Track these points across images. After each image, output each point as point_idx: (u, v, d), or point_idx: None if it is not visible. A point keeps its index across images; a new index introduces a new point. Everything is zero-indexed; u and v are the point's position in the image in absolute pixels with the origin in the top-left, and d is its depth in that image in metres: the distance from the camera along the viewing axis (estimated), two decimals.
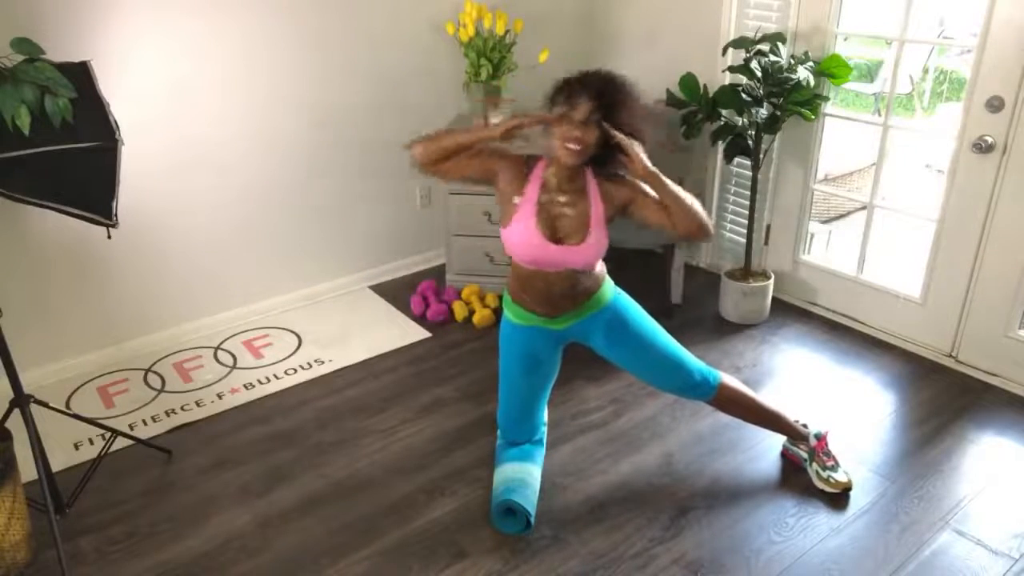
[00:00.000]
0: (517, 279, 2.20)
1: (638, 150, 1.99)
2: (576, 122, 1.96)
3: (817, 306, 3.47)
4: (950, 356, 3.05)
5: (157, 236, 3.11)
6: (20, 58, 2.19)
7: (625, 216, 2.11)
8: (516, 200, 2.08)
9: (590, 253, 2.08)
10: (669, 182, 2.00)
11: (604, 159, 2.05)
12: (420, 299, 3.51)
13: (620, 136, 1.97)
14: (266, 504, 2.39)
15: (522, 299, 2.23)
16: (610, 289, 2.28)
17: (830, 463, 2.39)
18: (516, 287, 2.23)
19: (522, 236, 2.07)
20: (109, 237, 2.46)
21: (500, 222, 2.14)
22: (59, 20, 2.66)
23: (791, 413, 2.51)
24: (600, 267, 2.24)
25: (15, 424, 2.14)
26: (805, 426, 2.48)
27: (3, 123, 2.13)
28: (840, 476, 2.37)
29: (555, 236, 2.07)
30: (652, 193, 2.05)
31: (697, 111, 3.21)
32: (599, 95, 1.96)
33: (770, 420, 2.46)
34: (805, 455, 2.44)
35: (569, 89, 1.99)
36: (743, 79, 3.04)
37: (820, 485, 2.38)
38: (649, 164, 1.99)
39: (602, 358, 2.35)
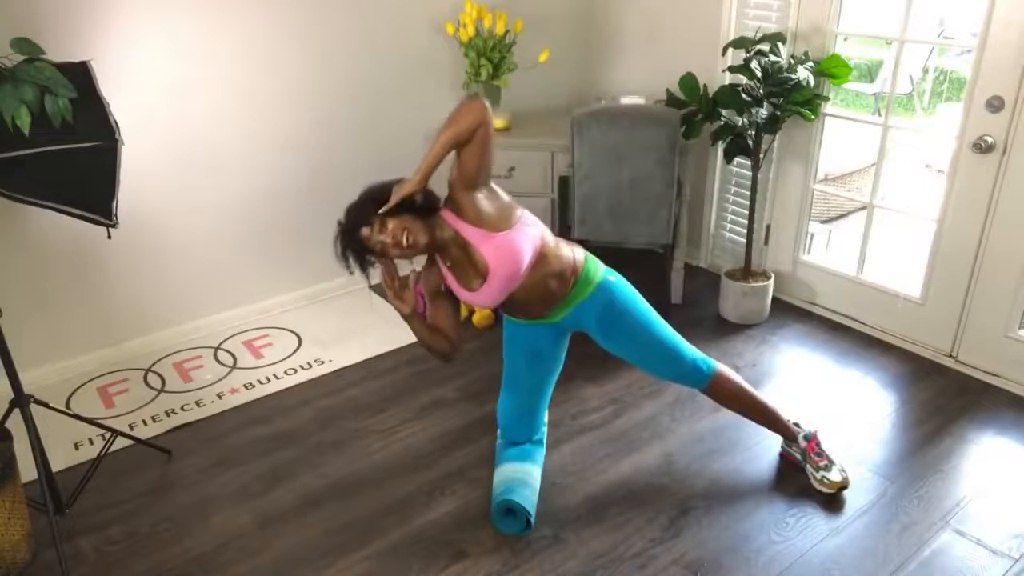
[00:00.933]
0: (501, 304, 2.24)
1: (399, 190, 2.00)
2: (387, 239, 2.00)
3: (817, 306, 3.47)
4: (950, 356, 3.05)
5: (157, 236, 3.11)
6: (20, 58, 2.19)
7: (474, 176, 2.02)
8: (444, 287, 2.19)
9: (501, 276, 2.07)
10: (431, 152, 1.98)
11: (422, 208, 2.05)
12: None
13: (389, 204, 1.99)
14: (266, 504, 2.39)
15: (509, 314, 2.31)
16: (596, 272, 2.25)
17: (823, 463, 2.39)
18: (500, 308, 2.28)
19: (463, 298, 2.16)
20: (109, 237, 2.45)
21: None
22: (59, 20, 2.66)
23: (788, 413, 2.51)
24: (566, 260, 2.19)
25: (15, 424, 2.14)
26: (797, 426, 2.48)
27: (3, 123, 2.13)
28: (834, 475, 2.37)
29: (469, 287, 2.11)
30: (451, 168, 2.05)
31: (697, 111, 3.21)
32: (362, 216, 2.02)
33: (765, 417, 2.45)
34: (799, 455, 2.44)
35: (355, 240, 2.04)
36: (743, 79, 3.04)
37: (816, 486, 2.38)
38: (410, 183, 1.99)
39: (602, 356, 2.35)
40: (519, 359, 2.38)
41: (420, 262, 2.20)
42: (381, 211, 2.00)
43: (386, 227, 2.00)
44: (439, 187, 2.08)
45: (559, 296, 2.20)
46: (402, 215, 2.01)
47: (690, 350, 2.32)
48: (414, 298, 2.10)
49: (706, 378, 2.32)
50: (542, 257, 2.13)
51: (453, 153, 2.01)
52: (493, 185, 2.10)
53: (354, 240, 2.04)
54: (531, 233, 2.09)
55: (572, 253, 2.22)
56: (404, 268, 2.11)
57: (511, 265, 2.05)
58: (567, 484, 2.45)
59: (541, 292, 2.16)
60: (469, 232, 2.05)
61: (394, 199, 1.99)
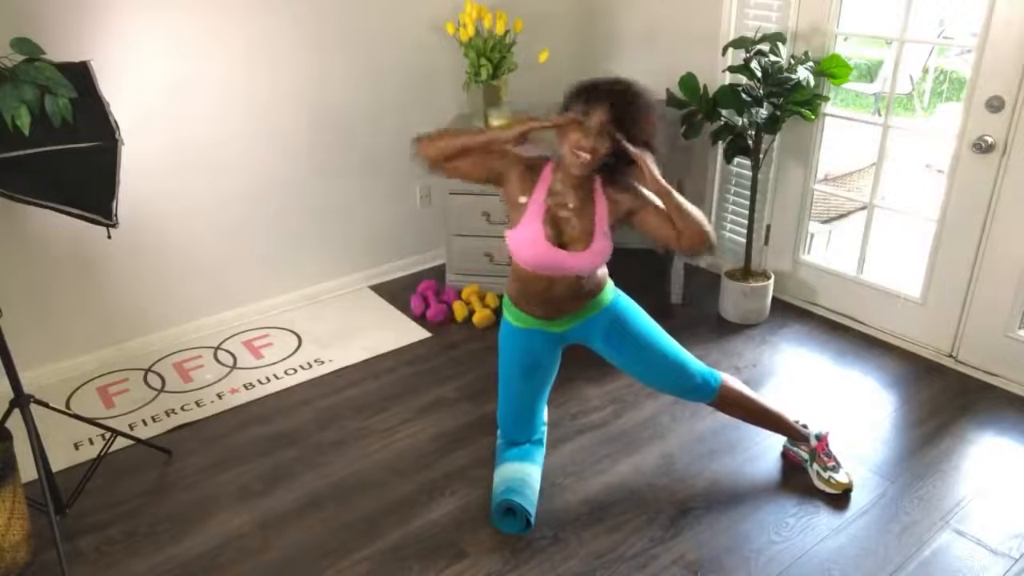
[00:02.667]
0: (518, 281, 2.20)
1: (650, 163, 1.96)
2: (589, 130, 1.93)
3: (817, 306, 3.47)
4: (950, 356, 3.05)
5: (157, 236, 3.11)
6: (20, 58, 2.19)
7: (627, 224, 2.10)
8: (522, 200, 2.06)
9: (593, 260, 2.08)
10: (677, 195, 1.98)
11: (614, 168, 2.03)
12: (420, 299, 3.51)
13: (633, 149, 1.94)
14: (266, 504, 2.39)
15: (521, 302, 2.23)
16: (610, 291, 2.28)
17: (831, 464, 2.39)
18: (516, 289, 2.22)
19: (527, 240, 2.05)
20: (109, 237, 2.46)
21: (509, 223, 2.12)
22: (59, 20, 2.66)
23: (792, 414, 2.51)
24: (602, 272, 2.24)
25: (15, 424, 2.14)
26: (805, 427, 2.48)
27: (3, 123, 2.13)
28: (841, 477, 2.37)
29: (560, 241, 2.06)
30: (658, 204, 2.03)
31: (697, 111, 3.21)
32: (615, 105, 1.93)
33: (771, 421, 2.46)
34: (806, 456, 2.44)
35: (586, 95, 1.95)
36: (743, 79, 3.04)
37: (821, 486, 2.38)
38: (660, 178, 1.96)
39: (602, 359, 2.35)
40: (514, 368, 2.35)
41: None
42: (623, 140, 1.93)
43: (603, 140, 1.93)
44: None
45: (578, 304, 2.20)
46: (608, 142, 1.94)
47: (696, 364, 2.31)
48: (519, 133, 1.98)
49: (713, 391, 2.32)
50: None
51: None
52: None
53: (594, 104, 1.93)
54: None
55: (604, 271, 2.26)
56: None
57: (601, 256, 2.08)
58: (567, 484, 2.45)
59: (569, 292, 2.15)
60: (605, 216, 2.04)
61: (640, 157, 1.93)
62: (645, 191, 2.05)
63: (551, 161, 2.09)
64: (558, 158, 2.04)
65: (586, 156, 1.93)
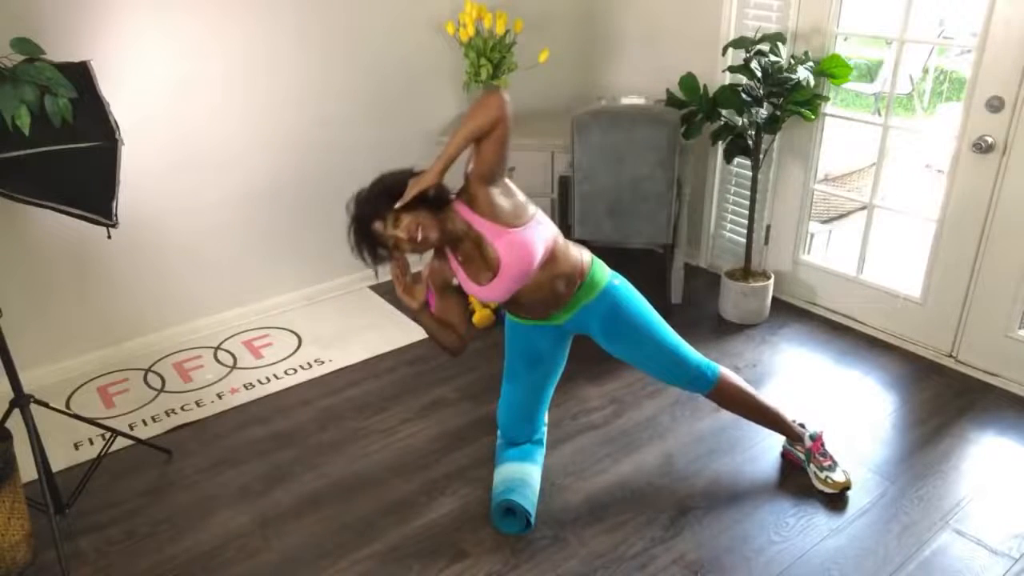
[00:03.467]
0: (504, 304, 2.23)
1: (415, 184, 1.97)
2: (401, 235, 1.98)
3: (817, 306, 3.47)
4: (950, 356, 3.05)
5: (157, 236, 3.11)
6: (20, 58, 2.19)
7: (492, 172, 2.01)
8: (455, 281, 2.17)
9: (512, 273, 2.05)
10: (450, 145, 1.96)
11: (435, 201, 2.03)
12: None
13: (401, 202, 1.96)
14: (266, 504, 2.39)
15: (513, 312, 2.30)
16: (602, 276, 2.25)
17: (827, 463, 2.39)
18: (505, 307, 2.27)
19: (471, 291, 2.12)
20: (109, 237, 2.45)
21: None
22: (59, 20, 2.66)
23: (790, 413, 2.51)
24: (574, 262, 2.19)
25: (15, 424, 2.14)
26: (803, 426, 2.48)
27: (3, 123, 2.13)
28: (838, 476, 2.37)
29: (478, 281, 2.09)
30: (468, 161, 2.04)
31: (697, 111, 3.21)
32: (368, 215, 2.00)
33: (768, 418, 2.45)
34: (803, 456, 2.44)
35: (368, 233, 2.01)
36: (743, 79, 3.04)
37: (818, 486, 2.38)
38: (426, 175, 1.97)
39: (602, 357, 2.35)
40: (519, 360, 2.38)
41: (428, 257, 2.20)
42: (397, 206, 1.96)
43: (400, 222, 1.97)
44: (453, 180, 2.04)
45: (565, 298, 2.20)
46: (416, 209, 1.97)
47: (695, 355, 2.32)
48: (424, 293, 2.09)
49: (711, 383, 2.31)
50: (552, 257, 2.11)
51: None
52: (508, 181, 2.08)
53: (367, 233, 2.01)
54: (543, 232, 2.08)
55: (580, 256, 2.22)
56: (414, 263, 2.11)
57: (523, 262, 2.03)
58: (567, 484, 2.45)
59: (548, 292, 2.15)
60: (482, 225, 2.02)
61: (410, 193, 1.95)
62: (466, 173, 2.05)
63: (445, 249, 2.15)
64: (439, 251, 2.15)
65: (419, 238, 1.98)
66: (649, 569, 2.12)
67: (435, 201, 2.02)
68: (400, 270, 2.06)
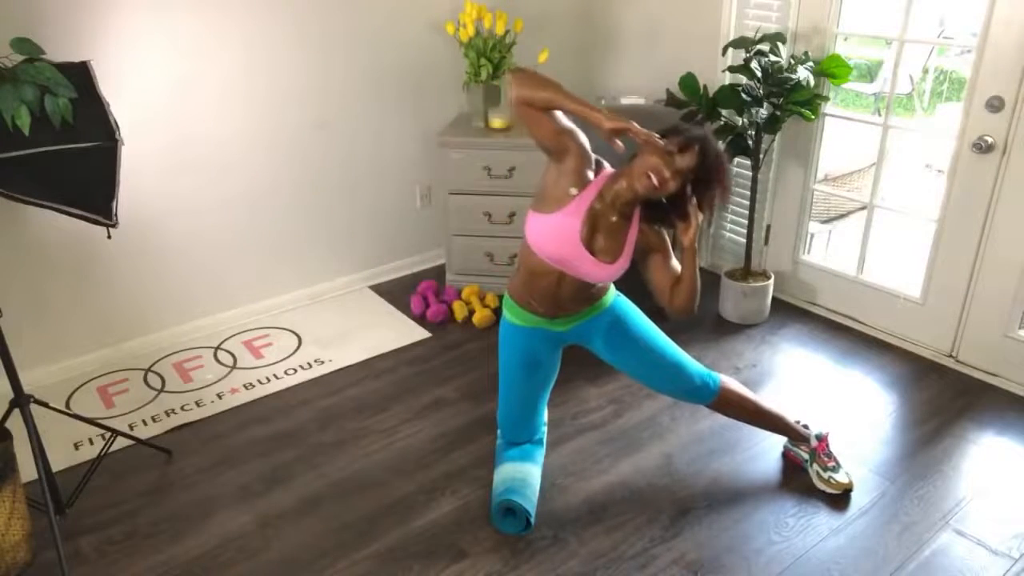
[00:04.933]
0: (527, 272, 2.16)
1: (696, 223, 1.99)
2: (673, 166, 1.94)
3: (817, 306, 3.47)
4: (950, 356, 3.05)
5: (157, 236, 3.11)
6: (20, 58, 2.20)
7: (637, 258, 2.12)
8: (572, 191, 2.04)
9: (612, 274, 2.10)
10: (695, 265, 2.03)
11: (662, 208, 2.06)
12: (420, 299, 3.51)
13: (693, 207, 1.99)
14: (266, 504, 2.39)
15: (525, 297, 2.21)
16: (611, 293, 2.29)
17: (831, 464, 2.39)
18: (523, 282, 2.20)
19: (562, 230, 2.03)
20: (109, 237, 2.46)
21: (538, 205, 2.08)
22: (59, 20, 2.66)
23: (792, 414, 2.51)
24: None
25: (15, 424, 2.14)
26: (806, 427, 2.49)
27: (3, 123, 2.13)
28: (841, 477, 2.37)
29: (591, 246, 2.06)
30: (673, 260, 2.10)
31: (697, 111, 3.21)
32: (706, 164, 1.96)
33: (771, 422, 2.46)
34: (806, 456, 2.44)
35: (688, 139, 1.97)
36: (743, 79, 3.04)
37: (821, 486, 2.38)
38: (695, 237, 2.00)
39: (601, 359, 2.35)
40: (516, 367, 2.34)
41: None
42: (692, 198, 1.98)
43: (678, 181, 1.95)
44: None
45: (585, 304, 2.21)
46: (679, 185, 1.97)
47: (696, 366, 2.32)
48: (614, 137, 1.95)
49: (713, 393, 2.32)
50: None
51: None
52: None
53: (690, 150, 1.94)
54: None
55: None
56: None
57: (623, 271, 2.10)
58: (567, 484, 2.45)
59: (581, 292, 2.16)
60: (631, 236, 2.09)
61: (695, 216, 2.00)
62: (667, 241, 2.12)
63: (609, 170, 2.10)
64: (622, 169, 2.04)
65: (655, 183, 1.93)
66: (649, 569, 2.12)
67: (664, 211, 2.09)
68: (631, 134, 1.95)
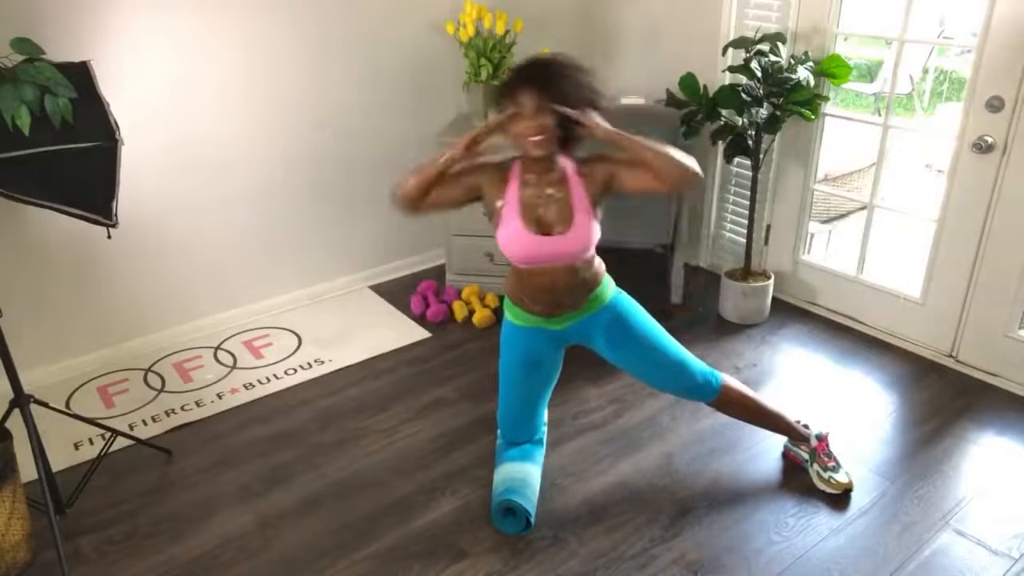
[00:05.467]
0: (517, 278, 2.20)
1: (593, 117, 1.98)
2: (527, 115, 1.96)
3: (817, 306, 3.47)
4: (950, 356, 3.05)
5: (157, 236, 3.11)
6: (20, 58, 2.20)
7: (614, 192, 2.08)
8: (499, 203, 2.09)
9: (580, 239, 2.08)
10: (638, 139, 1.97)
11: (572, 139, 2.05)
12: (420, 299, 3.51)
13: (571, 111, 1.96)
14: (266, 504, 2.39)
15: (521, 300, 2.23)
16: (610, 288, 2.28)
17: (831, 464, 2.39)
18: (515, 288, 2.22)
19: (512, 236, 2.07)
20: (109, 237, 2.46)
21: (494, 228, 2.14)
22: (59, 20, 2.66)
23: (792, 414, 2.51)
24: (598, 263, 2.24)
25: (15, 424, 2.14)
26: (807, 427, 2.49)
27: (3, 123, 2.13)
28: (841, 477, 2.37)
29: (543, 229, 2.07)
30: (632, 165, 2.04)
31: (697, 111, 3.21)
32: (539, 81, 1.96)
33: (771, 421, 2.46)
34: (806, 456, 2.44)
35: (511, 86, 1.99)
36: (743, 79, 3.04)
37: (821, 486, 2.38)
38: (608, 126, 1.98)
39: (602, 359, 2.35)
40: (517, 367, 2.34)
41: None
42: (557, 106, 1.94)
43: (543, 116, 1.95)
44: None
45: (579, 298, 2.20)
46: (550, 116, 1.96)
47: (698, 364, 2.32)
48: (474, 151, 2.02)
49: (715, 391, 2.32)
50: (592, 257, 2.19)
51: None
52: None
53: (513, 90, 1.97)
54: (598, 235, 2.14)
55: (601, 265, 2.27)
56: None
57: (587, 238, 2.08)
58: (567, 484, 2.45)
59: (572, 281, 2.15)
60: (576, 194, 2.06)
61: (581, 115, 1.95)
62: (614, 153, 2.06)
63: (518, 159, 2.11)
64: (520, 153, 2.07)
65: (536, 139, 1.97)
66: (649, 569, 2.12)
67: (572, 137, 2.04)
68: (485, 133, 1.99)
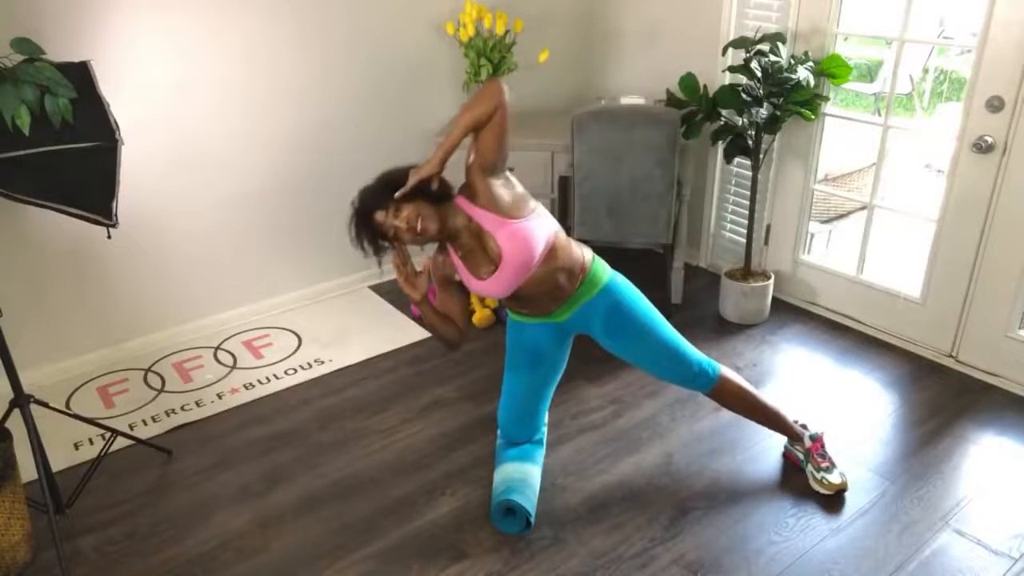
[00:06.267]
0: (506, 300, 2.25)
1: (416, 174, 2.01)
2: (401, 225, 2.02)
3: (817, 306, 3.47)
4: (950, 356, 3.05)
5: (157, 236, 3.11)
6: (20, 58, 2.20)
7: (491, 161, 2.04)
8: (456, 276, 2.20)
9: (513, 264, 2.06)
10: (450, 135, 2.00)
11: (437, 194, 2.06)
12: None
13: (402, 191, 2.01)
14: (266, 504, 2.39)
15: (515, 309, 2.31)
16: (603, 273, 2.26)
17: (824, 464, 2.39)
18: (507, 303, 2.29)
19: (473, 287, 2.15)
20: (109, 237, 2.46)
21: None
22: (59, 20, 2.66)
23: (791, 413, 2.51)
24: (573, 254, 2.20)
25: (15, 424, 2.14)
26: (804, 427, 2.48)
27: (3, 123, 2.13)
28: (834, 478, 2.37)
29: (479, 275, 2.12)
30: (468, 154, 2.07)
31: (697, 111, 3.21)
32: (373, 206, 2.04)
33: (768, 417, 2.45)
34: (802, 455, 2.44)
35: (369, 223, 2.06)
36: (743, 79, 3.04)
37: (814, 486, 2.38)
38: (428, 165, 2.01)
39: (602, 357, 2.35)
40: (521, 360, 2.37)
41: (431, 249, 2.23)
42: (397, 195, 2.01)
43: (401, 212, 2.02)
44: (455, 174, 2.08)
45: (567, 293, 2.20)
46: (417, 200, 2.02)
47: (696, 353, 2.32)
48: (426, 285, 2.13)
49: (712, 381, 2.32)
50: (553, 250, 2.12)
51: (469, 138, 2.03)
52: (508, 174, 2.11)
53: (368, 224, 2.05)
54: (544, 225, 2.10)
55: (581, 252, 2.24)
56: (415, 255, 2.14)
57: (524, 253, 2.05)
58: (567, 484, 2.45)
59: (550, 286, 2.16)
60: (483, 217, 2.05)
61: (411, 183, 2.00)
62: (469, 162, 2.07)
63: (446, 245, 2.18)
64: (441, 246, 2.19)
65: (419, 229, 2.01)
66: (649, 569, 2.12)
67: (437, 194, 2.06)
68: (401, 260, 2.12)
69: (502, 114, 1.97)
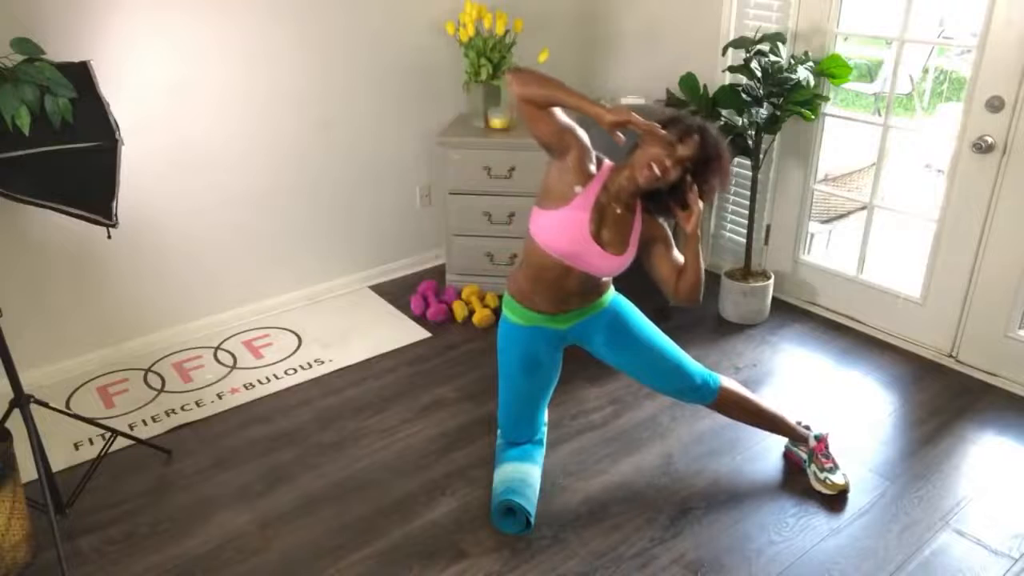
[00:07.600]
0: (530, 270, 2.17)
1: (698, 211, 2.03)
2: (674, 155, 1.98)
3: (817, 306, 3.47)
4: (950, 356, 3.05)
5: (157, 236, 3.11)
6: (20, 58, 2.20)
7: (637, 255, 2.14)
8: (577, 189, 2.06)
9: (620, 265, 2.12)
10: (699, 251, 2.07)
11: (661, 198, 2.08)
12: (420, 299, 3.51)
13: (694, 196, 2.02)
14: (266, 504, 2.39)
15: (528, 296, 2.22)
16: (610, 291, 2.30)
17: (828, 465, 2.39)
18: (526, 280, 2.20)
19: (570, 225, 2.06)
20: (109, 237, 2.46)
21: (543, 202, 2.11)
22: (59, 20, 2.66)
23: (792, 414, 2.51)
24: None
25: (15, 424, 2.14)
26: (807, 428, 2.49)
27: (3, 123, 2.13)
28: (837, 478, 2.37)
29: (599, 238, 2.08)
30: (676, 250, 2.13)
31: (697, 111, 3.21)
32: (705, 151, 2.00)
33: (770, 422, 2.46)
34: (805, 456, 2.44)
35: (687, 128, 2.02)
36: (743, 79, 3.04)
37: (817, 486, 2.38)
38: (697, 226, 2.04)
39: (601, 360, 2.35)
40: (516, 368, 2.34)
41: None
42: (694, 187, 2.03)
43: (678, 170, 2.00)
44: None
45: (585, 301, 2.21)
46: (679, 174, 2.02)
47: (696, 366, 2.32)
48: (615, 129, 1.95)
49: (713, 393, 2.32)
50: None
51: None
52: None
53: (691, 141, 2.00)
54: None
55: None
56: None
57: (630, 262, 2.12)
58: (567, 484, 2.45)
59: (586, 286, 2.18)
60: (636, 225, 2.12)
61: (695, 205, 2.03)
62: (669, 230, 2.15)
63: (610, 164, 2.12)
64: (625, 161, 2.07)
65: (658, 173, 1.97)
66: (649, 569, 2.12)
67: (661, 201, 2.12)
68: (636, 126, 1.94)
69: (673, 296, 2.13)
